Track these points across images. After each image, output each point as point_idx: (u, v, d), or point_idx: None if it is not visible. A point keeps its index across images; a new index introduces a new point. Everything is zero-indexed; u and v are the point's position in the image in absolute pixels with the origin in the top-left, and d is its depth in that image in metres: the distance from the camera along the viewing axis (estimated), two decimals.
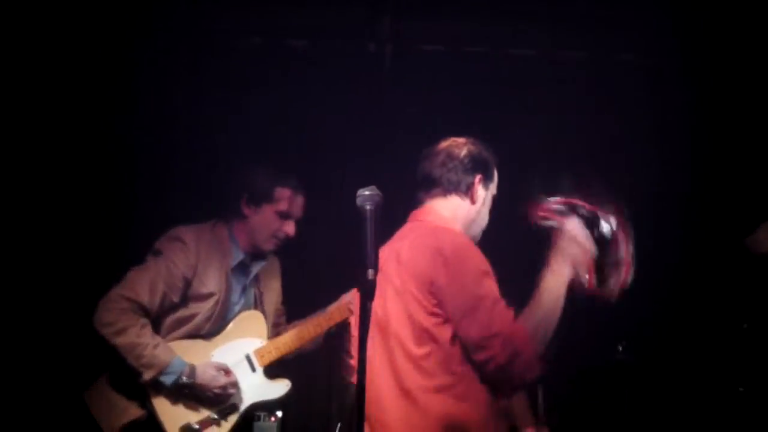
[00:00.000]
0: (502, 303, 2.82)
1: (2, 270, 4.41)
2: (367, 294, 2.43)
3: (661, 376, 4.70)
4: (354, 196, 2.53)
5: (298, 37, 4.73)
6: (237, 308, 3.95)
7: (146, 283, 3.70)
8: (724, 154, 4.93)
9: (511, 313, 2.81)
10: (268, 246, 3.95)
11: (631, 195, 4.91)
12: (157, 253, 3.80)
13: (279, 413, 4.61)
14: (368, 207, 2.51)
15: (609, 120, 4.84)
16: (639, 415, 4.38)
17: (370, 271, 2.43)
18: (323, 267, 4.84)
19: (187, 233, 3.85)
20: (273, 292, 4.14)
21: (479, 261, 2.88)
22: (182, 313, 3.79)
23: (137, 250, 3.93)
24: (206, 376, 3.68)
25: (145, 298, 3.69)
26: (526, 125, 4.87)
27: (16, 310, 4.41)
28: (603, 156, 4.86)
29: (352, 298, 3.95)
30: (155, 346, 3.63)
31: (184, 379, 3.64)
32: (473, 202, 3.09)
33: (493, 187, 3.15)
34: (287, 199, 3.92)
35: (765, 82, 4.66)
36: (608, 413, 4.33)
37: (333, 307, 4.01)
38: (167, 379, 3.63)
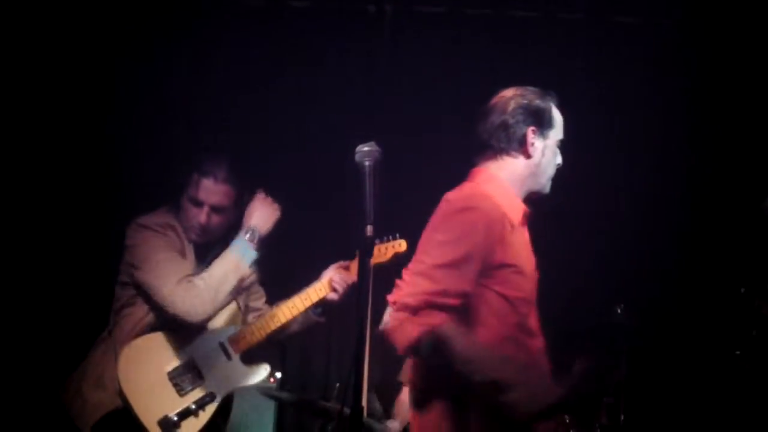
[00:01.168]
0: (431, 277, 2.65)
1: None
2: (366, 251, 2.43)
3: (658, 338, 4.71)
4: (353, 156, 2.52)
5: None
6: None
7: (175, 259, 3.71)
8: (728, 118, 4.91)
9: (422, 288, 2.64)
10: (191, 236, 3.79)
11: (633, 157, 5.01)
12: (134, 247, 3.74)
13: (278, 374, 4.62)
14: (367, 163, 2.50)
15: (609, 82, 4.83)
16: (636, 376, 4.40)
17: (369, 228, 2.43)
18: (308, 243, 4.81)
19: (149, 221, 3.77)
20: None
21: (458, 228, 2.72)
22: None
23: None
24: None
25: (187, 267, 3.73)
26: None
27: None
28: (606, 118, 4.87)
29: (333, 274, 3.84)
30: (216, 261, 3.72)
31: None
32: (528, 156, 2.89)
33: (555, 134, 2.95)
34: (194, 183, 3.74)
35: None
36: (605, 374, 4.33)
37: (312, 287, 3.86)
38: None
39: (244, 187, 3.84)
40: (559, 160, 2.99)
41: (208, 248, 3.85)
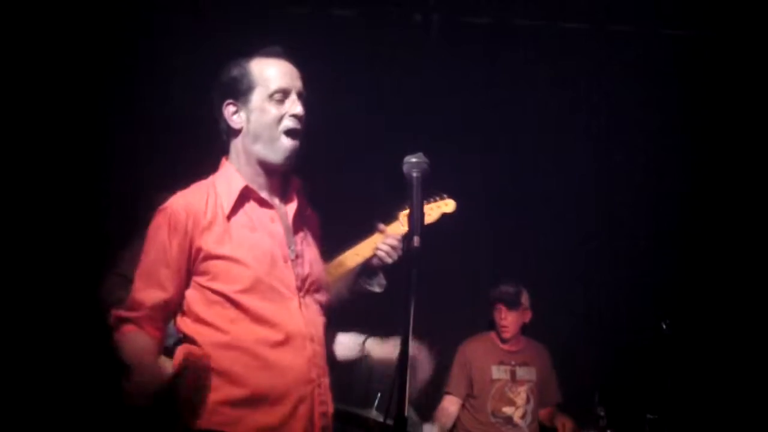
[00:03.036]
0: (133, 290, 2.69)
1: None
2: (413, 261, 2.41)
3: (704, 352, 4.67)
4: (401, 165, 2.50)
5: (344, 7, 4.71)
6: None
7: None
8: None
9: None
10: None
11: (678, 166, 4.97)
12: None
13: None
14: (415, 174, 2.47)
15: (658, 94, 4.81)
16: (682, 392, 4.35)
17: (416, 238, 2.40)
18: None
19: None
20: None
21: (149, 234, 2.69)
22: None
23: None
24: None
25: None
26: (574, 99, 4.84)
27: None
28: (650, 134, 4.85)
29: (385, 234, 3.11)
30: None
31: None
32: (236, 132, 2.71)
33: (260, 92, 2.67)
34: None
35: None
36: (652, 390, 4.30)
37: (349, 252, 3.24)
38: (168, 341, 3.63)
39: None
40: (294, 110, 2.67)
41: None
